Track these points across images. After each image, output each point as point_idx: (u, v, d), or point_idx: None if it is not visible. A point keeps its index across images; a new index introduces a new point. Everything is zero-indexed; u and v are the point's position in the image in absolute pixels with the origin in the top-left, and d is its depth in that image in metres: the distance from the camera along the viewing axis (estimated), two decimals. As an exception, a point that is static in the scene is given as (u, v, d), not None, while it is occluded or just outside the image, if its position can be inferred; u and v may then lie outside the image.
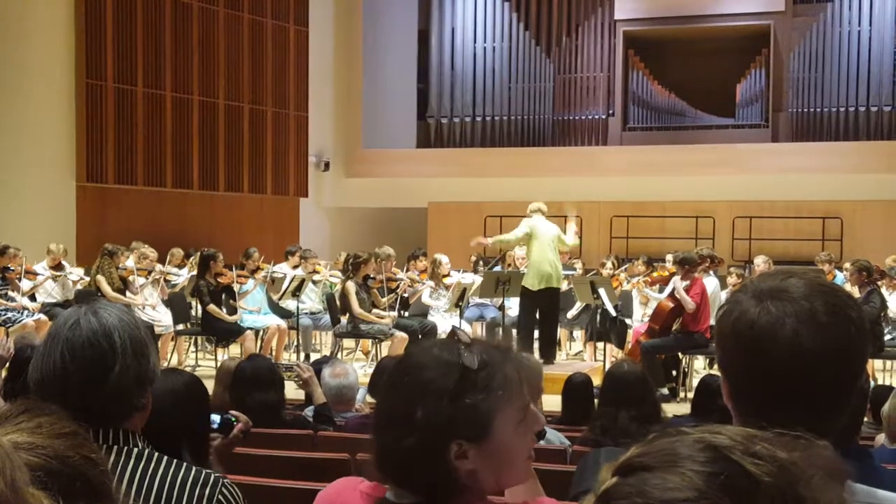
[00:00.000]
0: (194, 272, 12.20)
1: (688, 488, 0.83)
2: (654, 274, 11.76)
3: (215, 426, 3.24)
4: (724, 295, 10.85)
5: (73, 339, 1.97)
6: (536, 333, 11.03)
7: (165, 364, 10.99)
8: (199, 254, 11.84)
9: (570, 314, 12.32)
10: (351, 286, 10.96)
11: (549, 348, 10.82)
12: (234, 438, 3.28)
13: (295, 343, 12.24)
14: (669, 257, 11.90)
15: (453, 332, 1.87)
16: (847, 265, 11.22)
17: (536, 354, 10.23)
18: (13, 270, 11.04)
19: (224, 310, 11.18)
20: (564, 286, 12.29)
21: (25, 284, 11.33)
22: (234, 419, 3.26)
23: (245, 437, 3.31)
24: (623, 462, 0.89)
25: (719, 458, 0.86)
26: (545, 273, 10.59)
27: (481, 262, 13.76)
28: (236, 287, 11.41)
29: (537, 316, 10.91)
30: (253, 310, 11.63)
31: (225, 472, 3.22)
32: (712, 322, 9.62)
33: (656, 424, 4.66)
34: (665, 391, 9.65)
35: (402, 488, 1.64)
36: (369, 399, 5.51)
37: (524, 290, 10.77)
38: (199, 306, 11.51)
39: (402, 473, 1.63)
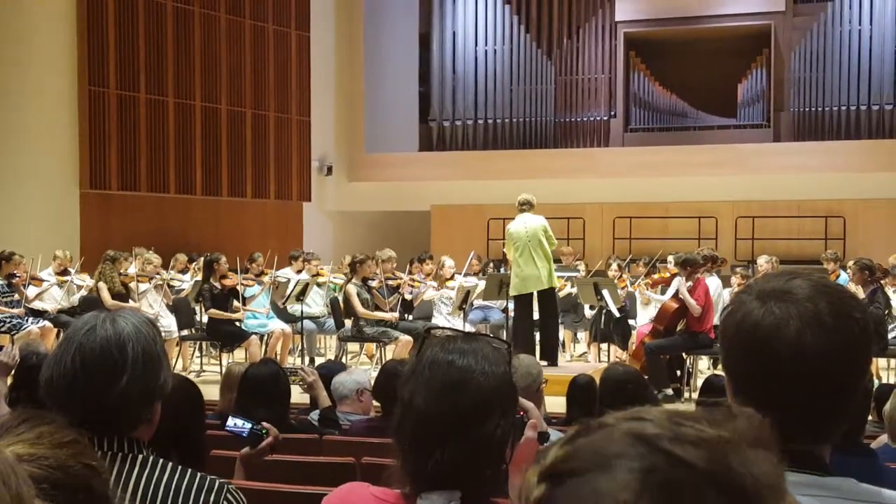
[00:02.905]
0: (198, 277, 12.22)
1: (623, 490, 0.79)
2: (656, 276, 11.75)
3: (244, 434, 3.25)
4: (727, 294, 10.85)
5: (87, 344, 1.97)
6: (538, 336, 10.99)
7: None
8: (202, 259, 11.85)
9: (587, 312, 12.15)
10: (352, 288, 11.00)
11: (552, 350, 10.63)
12: (262, 450, 3.28)
13: (299, 347, 12.25)
14: (671, 258, 11.90)
15: (429, 331, 1.89)
16: (850, 264, 11.21)
17: (537, 357, 10.20)
18: (19, 277, 11.06)
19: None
20: (568, 288, 12.28)
21: (31, 291, 11.35)
22: (264, 431, 3.27)
23: (273, 450, 3.31)
24: (549, 467, 0.84)
25: (651, 451, 0.82)
26: (528, 276, 10.25)
27: (491, 265, 13.75)
28: (241, 289, 11.42)
29: (535, 317, 10.79)
30: (260, 311, 11.62)
31: (245, 479, 3.24)
32: (716, 322, 9.62)
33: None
34: (670, 391, 9.65)
35: (447, 489, 1.67)
36: (375, 403, 5.52)
37: (514, 297, 10.54)
38: (204, 311, 11.52)
39: (457, 477, 1.67)
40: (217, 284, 11.03)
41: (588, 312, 12.18)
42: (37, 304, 11.34)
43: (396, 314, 11.30)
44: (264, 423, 3.37)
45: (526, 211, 10.45)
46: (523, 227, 10.34)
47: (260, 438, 3.28)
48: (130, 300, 11.10)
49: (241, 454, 3.34)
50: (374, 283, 11.30)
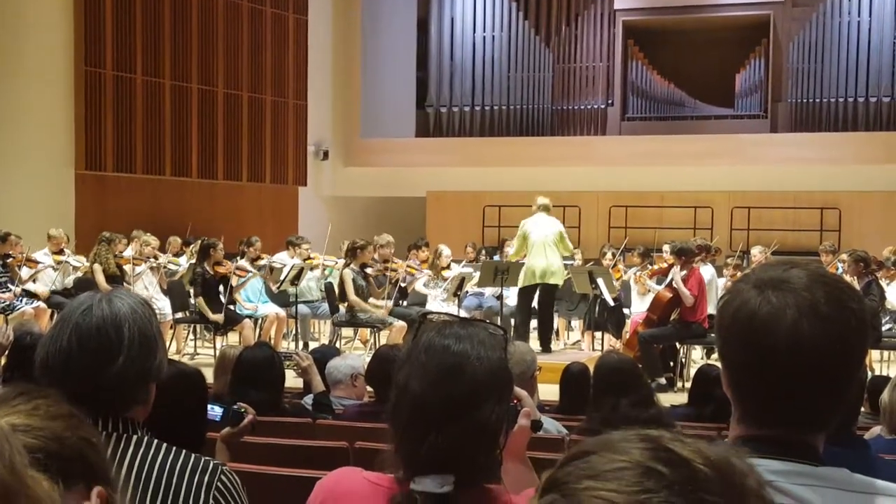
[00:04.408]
0: (193, 261, 12.19)
1: (627, 459, 0.89)
2: (655, 266, 11.75)
3: (217, 419, 3.26)
4: (721, 283, 10.87)
5: (83, 324, 1.96)
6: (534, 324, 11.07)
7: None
8: (199, 242, 11.81)
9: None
10: (348, 273, 10.97)
11: (547, 339, 10.84)
12: (243, 429, 3.30)
13: (293, 331, 12.24)
14: (666, 247, 11.89)
15: (425, 317, 1.89)
16: (844, 256, 11.23)
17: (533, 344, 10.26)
18: (14, 258, 11.02)
19: (222, 297, 11.15)
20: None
21: (25, 272, 11.31)
22: (243, 410, 3.29)
23: (253, 429, 3.34)
24: (565, 455, 0.94)
25: (651, 440, 0.92)
26: (537, 271, 10.56)
27: (483, 252, 13.76)
28: (234, 280, 11.38)
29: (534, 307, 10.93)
30: (249, 307, 11.59)
31: (230, 460, 3.26)
32: (710, 311, 9.64)
33: (652, 407, 4.69)
34: (663, 381, 9.66)
35: (441, 474, 1.67)
36: (369, 388, 5.53)
37: (520, 288, 10.81)
38: (193, 296, 11.51)
39: (451, 461, 1.66)
40: (210, 270, 10.99)
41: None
42: (30, 286, 11.30)
43: (390, 303, 11.26)
44: (241, 404, 3.40)
45: (543, 212, 10.73)
46: (541, 231, 10.60)
47: (241, 417, 3.31)
48: (125, 282, 11.08)
49: (221, 435, 3.36)
50: (370, 272, 11.27)
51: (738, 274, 11.33)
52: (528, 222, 10.75)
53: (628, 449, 0.90)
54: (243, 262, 11.80)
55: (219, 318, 10.91)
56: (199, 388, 3.29)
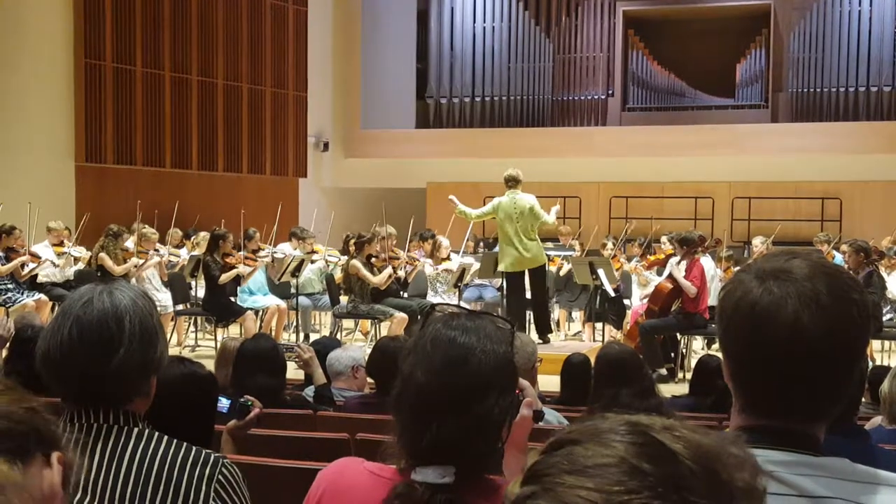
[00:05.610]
0: (193, 252, 12.19)
1: (611, 455, 0.86)
2: (651, 257, 11.74)
3: (225, 411, 3.27)
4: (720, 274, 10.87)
5: (84, 317, 1.96)
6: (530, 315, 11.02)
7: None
8: (200, 234, 11.81)
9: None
10: (357, 263, 10.96)
11: (545, 328, 10.72)
12: (250, 422, 3.31)
13: (294, 323, 12.25)
14: (665, 238, 11.87)
15: (433, 308, 1.89)
16: (844, 246, 11.21)
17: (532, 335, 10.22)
18: (17, 252, 11.01)
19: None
20: (565, 266, 12.28)
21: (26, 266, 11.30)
22: (249, 403, 3.31)
23: (259, 421, 3.36)
24: (550, 442, 0.92)
25: (639, 431, 0.89)
26: (513, 256, 10.36)
27: (481, 244, 13.74)
28: (242, 271, 11.36)
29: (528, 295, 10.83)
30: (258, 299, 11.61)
31: (235, 452, 3.27)
32: (711, 303, 9.63)
33: (653, 398, 4.70)
34: (664, 372, 9.67)
35: (441, 465, 1.67)
36: (370, 380, 5.53)
37: (503, 273, 10.62)
38: (199, 285, 11.49)
39: (452, 452, 1.67)
40: (219, 260, 10.98)
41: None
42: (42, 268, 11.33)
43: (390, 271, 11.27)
44: (248, 396, 3.41)
45: (513, 188, 10.45)
46: (511, 206, 10.36)
47: (247, 410, 3.32)
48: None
49: (227, 427, 3.37)
50: (375, 262, 11.25)
51: (732, 267, 11.34)
52: (497, 201, 10.43)
53: (614, 441, 0.87)
54: (249, 254, 11.80)
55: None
56: (211, 391, 3.30)
